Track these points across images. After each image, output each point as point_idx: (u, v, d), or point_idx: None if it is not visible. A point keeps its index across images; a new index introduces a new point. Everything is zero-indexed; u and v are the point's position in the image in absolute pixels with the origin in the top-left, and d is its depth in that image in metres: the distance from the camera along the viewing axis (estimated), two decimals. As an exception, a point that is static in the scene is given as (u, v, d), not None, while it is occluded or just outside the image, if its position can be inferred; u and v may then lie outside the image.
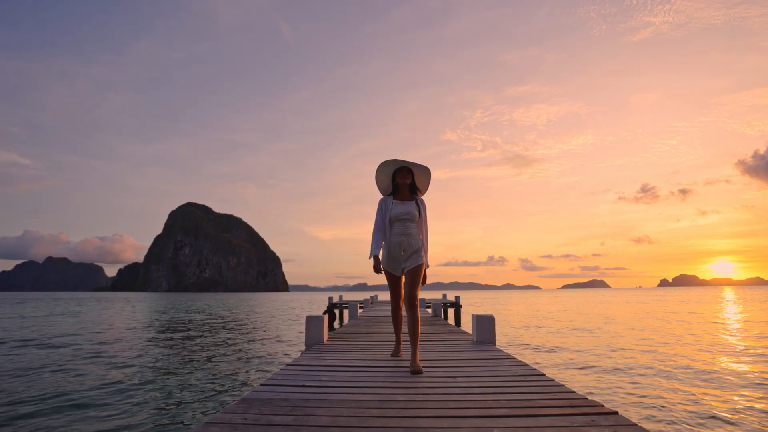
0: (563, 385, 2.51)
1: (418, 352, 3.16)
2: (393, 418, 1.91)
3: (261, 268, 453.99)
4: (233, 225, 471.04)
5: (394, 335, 5.03)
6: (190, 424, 5.17)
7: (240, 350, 11.67)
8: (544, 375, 2.82)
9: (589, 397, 2.23)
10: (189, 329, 18.01)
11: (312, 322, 4.46)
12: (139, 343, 13.04)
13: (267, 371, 8.55)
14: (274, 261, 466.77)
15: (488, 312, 29.80)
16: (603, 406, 2.04)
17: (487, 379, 2.71)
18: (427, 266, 3.38)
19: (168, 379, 7.80)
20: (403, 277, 3.36)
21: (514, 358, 3.43)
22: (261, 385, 2.57)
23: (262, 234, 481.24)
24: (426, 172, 3.44)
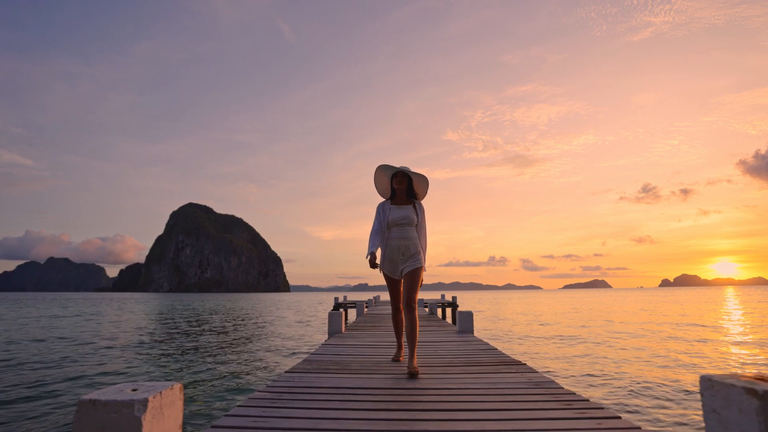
0: (506, 354, 3.90)
1: (415, 356, 3.29)
2: (397, 367, 3.32)
3: (262, 269, 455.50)
4: (234, 225, 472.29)
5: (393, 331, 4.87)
6: (247, 391, 6.60)
7: (265, 342, 13.13)
8: (497, 349, 4.21)
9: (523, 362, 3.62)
10: (212, 328, 19.46)
11: (333, 316, 5.86)
12: (174, 339, 14.48)
13: (294, 357, 10.03)
14: (275, 261, 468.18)
15: (486, 311, 31.24)
16: (520, 361, 3.44)
17: (456, 351, 4.12)
18: (424, 270, 3.42)
19: (211, 362, 9.25)
20: (402, 280, 3.43)
21: (482, 341, 4.83)
22: (311, 354, 3.98)
23: (263, 234, 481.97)
24: (423, 180, 3.46)
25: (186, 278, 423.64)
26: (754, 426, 1.07)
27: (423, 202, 3.60)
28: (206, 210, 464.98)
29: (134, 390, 1.34)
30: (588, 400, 2.21)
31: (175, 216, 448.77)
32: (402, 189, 3.45)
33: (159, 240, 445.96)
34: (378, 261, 3.44)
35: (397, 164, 3.46)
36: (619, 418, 1.92)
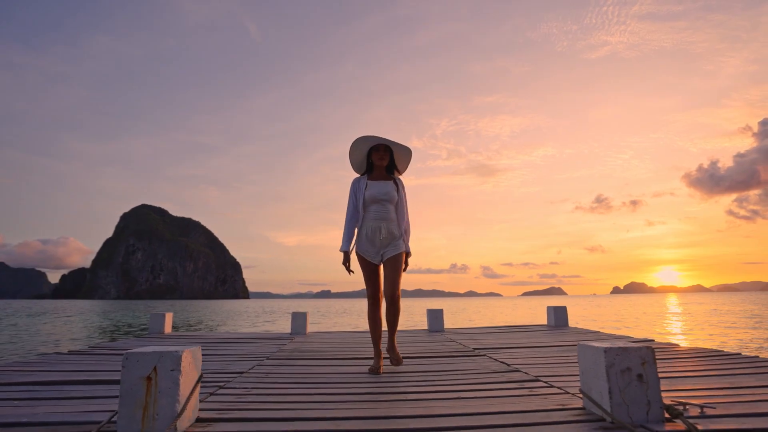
0: (469, 347, 4.36)
1: (396, 342, 3.17)
2: (368, 349, 3.69)
3: (220, 274, 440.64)
4: (191, 228, 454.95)
5: (370, 336, 3.40)
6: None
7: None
8: (463, 344, 4.66)
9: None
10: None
11: (297, 316, 5.97)
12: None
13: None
14: (234, 267, 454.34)
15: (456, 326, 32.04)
16: (482, 354, 3.90)
17: (426, 345, 4.54)
18: (409, 254, 3.14)
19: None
20: (382, 267, 3.08)
21: (449, 338, 5.28)
22: (288, 344, 4.26)
23: (222, 239, 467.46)
24: (407, 152, 3.16)
25: (136, 284, 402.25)
26: (602, 368, 1.74)
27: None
28: (161, 212, 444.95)
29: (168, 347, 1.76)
30: (527, 373, 2.70)
31: (126, 218, 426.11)
32: (382, 165, 3.12)
33: (107, 243, 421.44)
34: (353, 248, 3.09)
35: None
36: (542, 381, 2.40)
